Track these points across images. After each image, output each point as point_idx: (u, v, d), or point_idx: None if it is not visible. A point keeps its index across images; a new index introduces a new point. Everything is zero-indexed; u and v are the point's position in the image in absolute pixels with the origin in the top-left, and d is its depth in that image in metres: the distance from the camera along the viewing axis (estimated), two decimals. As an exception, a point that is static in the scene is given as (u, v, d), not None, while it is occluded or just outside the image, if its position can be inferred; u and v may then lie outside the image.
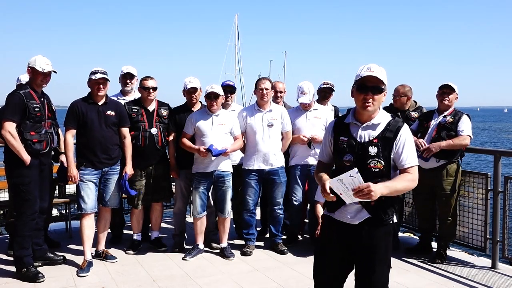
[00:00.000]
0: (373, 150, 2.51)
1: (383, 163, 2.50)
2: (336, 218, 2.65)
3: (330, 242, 2.70)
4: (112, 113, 4.60)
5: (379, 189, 2.37)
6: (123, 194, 5.09)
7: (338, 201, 2.53)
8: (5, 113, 4.07)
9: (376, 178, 2.46)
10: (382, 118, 2.57)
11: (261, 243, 5.36)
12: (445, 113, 4.79)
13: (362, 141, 2.54)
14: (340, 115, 2.93)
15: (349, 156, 2.55)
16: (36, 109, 4.14)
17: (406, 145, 2.52)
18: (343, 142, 2.59)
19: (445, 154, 4.67)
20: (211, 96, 4.72)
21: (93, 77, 4.45)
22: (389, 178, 2.50)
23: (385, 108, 5.39)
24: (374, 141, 2.52)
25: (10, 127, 4.04)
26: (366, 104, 2.50)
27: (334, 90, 5.67)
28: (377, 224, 2.56)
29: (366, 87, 2.49)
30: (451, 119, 4.72)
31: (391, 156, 2.52)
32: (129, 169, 4.72)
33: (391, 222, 2.59)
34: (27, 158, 4.09)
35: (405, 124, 2.59)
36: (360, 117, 2.59)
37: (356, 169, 2.34)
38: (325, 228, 2.76)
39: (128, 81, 5.35)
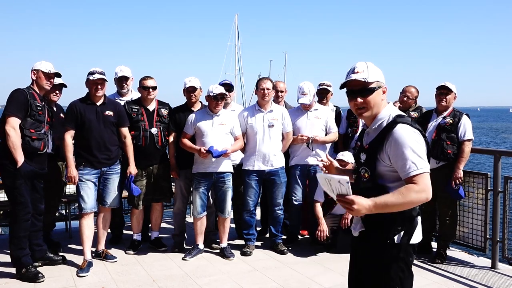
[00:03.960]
0: (363, 157, 2.28)
1: (369, 173, 2.23)
2: (351, 228, 2.50)
3: (351, 251, 2.53)
4: (111, 113, 4.59)
5: (364, 207, 2.04)
6: (123, 194, 5.09)
7: None
8: (10, 109, 4.00)
9: (366, 189, 2.20)
10: (383, 121, 2.25)
11: (261, 243, 5.37)
12: (444, 114, 4.75)
13: (361, 147, 2.36)
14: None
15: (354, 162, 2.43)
16: (38, 108, 4.12)
17: (402, 149, 2.10)
18: (356, 148, 2.44)
19: (445, 155, 4.63)
20: (218, 97, 4.74)
21: (91, 77, 4.45)
22: (375, 191, 2.15)
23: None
24: (365, 147, 2.29)
25: (15, 123, 3.98)
26: (359, 110, 2.27)
27: (330, 91, 5.59)
28: (370, 239, 2.27)
29: (353, 91, 2.25)
30: (450, 121, 4.68)
31: (378, 164, 2.19)
32: (133, 169, 4.71)
33: (395, 241, 2.21)
34: (20, 159, 3.98)
35: (400, 125, 2.15)
36: (366, 122, 2.37)
37: (347, 178, 2.00)
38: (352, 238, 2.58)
39: (124, 83, 5.35)
